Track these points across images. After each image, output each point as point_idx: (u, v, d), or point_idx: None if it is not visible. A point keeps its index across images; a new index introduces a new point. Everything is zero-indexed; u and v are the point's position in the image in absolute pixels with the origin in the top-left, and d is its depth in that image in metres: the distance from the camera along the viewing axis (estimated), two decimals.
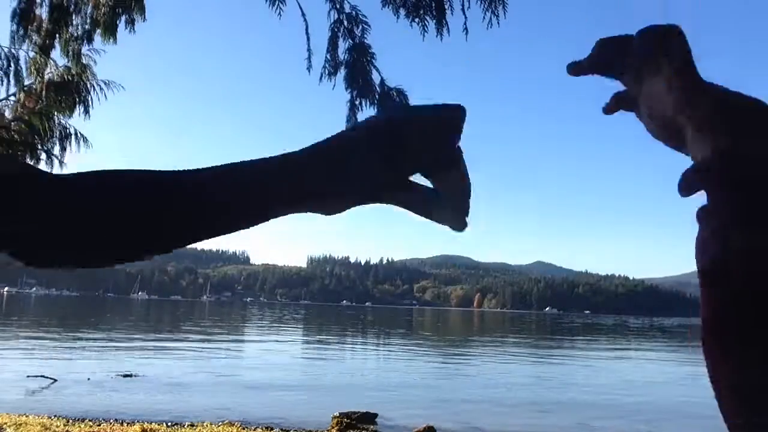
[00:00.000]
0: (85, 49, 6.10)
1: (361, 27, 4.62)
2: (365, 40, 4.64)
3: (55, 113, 7.75)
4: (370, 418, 8.53)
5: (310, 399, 10.65)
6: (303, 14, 4.68)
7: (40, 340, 21.57)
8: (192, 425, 7.61)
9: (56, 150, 8.03)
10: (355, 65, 4.60)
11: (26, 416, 7.45)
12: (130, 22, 5.25)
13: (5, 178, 0.42)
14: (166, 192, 0.45)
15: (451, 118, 0.46)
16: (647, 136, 0.48)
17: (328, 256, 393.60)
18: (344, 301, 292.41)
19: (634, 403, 11.37)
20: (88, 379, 11.74)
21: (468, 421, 8.97)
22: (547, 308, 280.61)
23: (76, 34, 5.53)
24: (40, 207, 0.43)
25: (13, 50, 6.37)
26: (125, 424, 7.43)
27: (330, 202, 0.47)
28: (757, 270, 0.33)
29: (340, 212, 0.48)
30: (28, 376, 11.49)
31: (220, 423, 7.72)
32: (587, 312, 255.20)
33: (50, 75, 7.17)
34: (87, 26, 5.41)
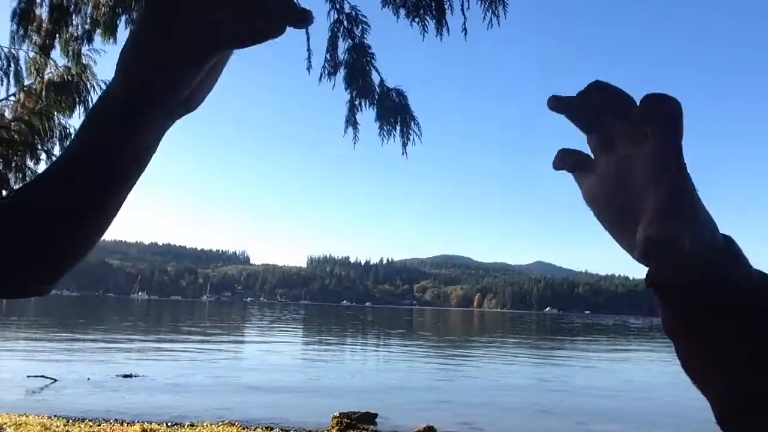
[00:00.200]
0: (85, 49, 6.11)
1: (360, 27, 4.63)
2: (365, 40, 4.64)
3: (55, 113, 7.75)
4: (370, 418, 8.53)
5: (310, 399, 10.65)
6: None
7: (41, 340, 21.58)
8: (192, 425, 7.61)
9: (56, 150, 8.02)
10: (354, 65, 4.61)
11: (26, 416, 7.46)
12: (130, 22, 5.25)
13: None
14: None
15: None
16: None
17: (328, 256, 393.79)
18: (344, 301, 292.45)
19: (635, 405, 11.38)
20: (88, 379, 11.74)
21: (468, 422, 8.97)
22: (547, 308, 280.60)
23: (76, 34, 5.53)
24: None
25: (13, 50, 6.38)
26: (125, 424, 7.43)
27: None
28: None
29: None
30: (28, 376, 11.49)
31: (220, 423, 7.72)
32: (587, 312, 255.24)
33: (50, 75, 7.18)
34: (87, 26, 5.41)
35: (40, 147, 7.76)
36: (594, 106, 0.41)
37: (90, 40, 5.54)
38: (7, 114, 7.48)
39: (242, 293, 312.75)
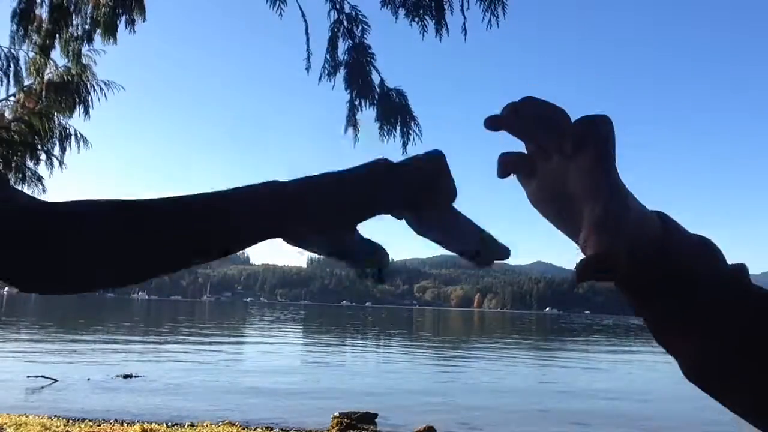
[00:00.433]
0: (85, 50, 6.10)
1: (360, 27, 4.63)
2: (365, 41, 4.64)
3: (55, 113, 7.74)
4: (370, 418, 8.53)
5: (310, 399, 10.64)
6: (303, 14, 4.68)
7: (41, 340, 21.58)
8: (192, 425, 7.61)
9: (56, 150, 8.02)
10: (354, 65, 4.61)
11: (26, 416, 7.45)
12: (130, 22, 5.25)
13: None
14: (161, 219, 0.48)
15: (430, 168, 0.50)
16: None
17: None
18: (344, 302, 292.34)
19: (636, 407, 11.37)
20: (89, 379, 11.74)
21: (468, 422, 8.96)
22: (547, 308, 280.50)
23: (76, 34, 5.52)
24: (39, 235, 0.45)
25: (13, 50, 6.37)
26: (125, 425, 7.43)
27: (311, 231, 0.50)
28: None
29: (308, 245, 0.51)
30: (28, 376, 11.48)
31: (220, 423, 7.72)
32: (587, 312, 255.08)
33: (50, 75, 7.17)
34: (87, 26, 5.41)
35: (40, 147, 7.75)
36: (527, 119, 0.43)
37: (90, 40, 5.54)
38: (7, 114, 7.47)
39: (242, 293, 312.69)
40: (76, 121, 7.96)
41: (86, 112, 7.69)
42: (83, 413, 8.37)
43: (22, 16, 5.30)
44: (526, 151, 0.46)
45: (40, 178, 7.92)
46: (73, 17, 5.38)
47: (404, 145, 4.71)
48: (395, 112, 4.71)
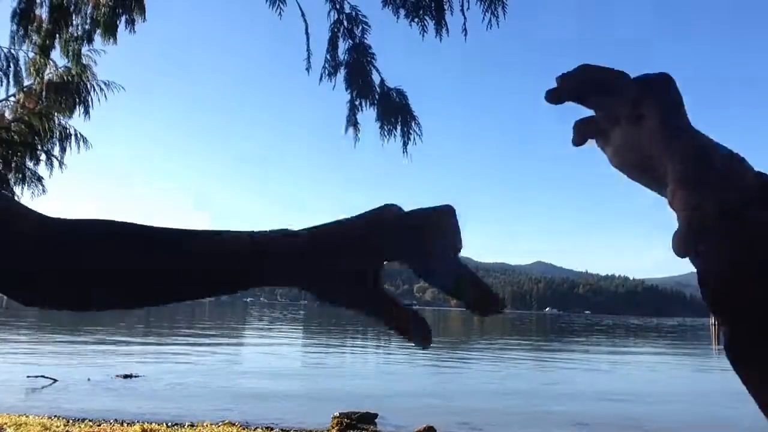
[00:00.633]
0: (85, 50, 6.09)
1: (361, 27, 4.63)
2: (365, 41, 4.64)
3: (55, 114, 7.74)
4: (370, 418, 8.53)
5: (309, 399, 10.64)
6: (303, 14, 4.68)
7: (41, 340, 21.58)
8: (192, 425, 7.60)
9: (56, 151, 8.02)
10: (354, 65, 4.61)
11: (26, 416, 7.45)
12: (130, 22, 5.25)
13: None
14: (166, 251, 0.48)
15: (437, 219, 0.50)
16: None
17: None
18: None
19: (636, 409, 11.36)
20: (89, 379, 11.73)
21: (468, 422, 8.96)
22: (547, 308, 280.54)
23: (76, 34, 5.52)
24: (40, 251, 0.46)
25: (12, 50, 6.38)
26: (125, 424, 7.43)
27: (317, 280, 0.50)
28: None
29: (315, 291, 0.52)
30: (28, 376, 11.48)
31: (220, 423, 7.71)
32: (587, 312, 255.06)
33: (50, 75, 7.17)
34: (87, 26, 5.41)
35: (40, 148, 7.76)
36: (585, 86, 0.43)
37: (90, 40, 5.54)
38: (7, 114, 7.47)
39: (242, 293, 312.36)
40: (76, 122, 7.96)
41: (86, 112, 7.70)
42: (83, 413, 8.36)
43: (22, 16, 5.30)
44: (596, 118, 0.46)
45: (40, 179, 7.93)
46: (73, 17, 5.38)
47: (405, 144, 4.72)
48: (395, 112, 4.71)
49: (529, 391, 12.69)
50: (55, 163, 8.00)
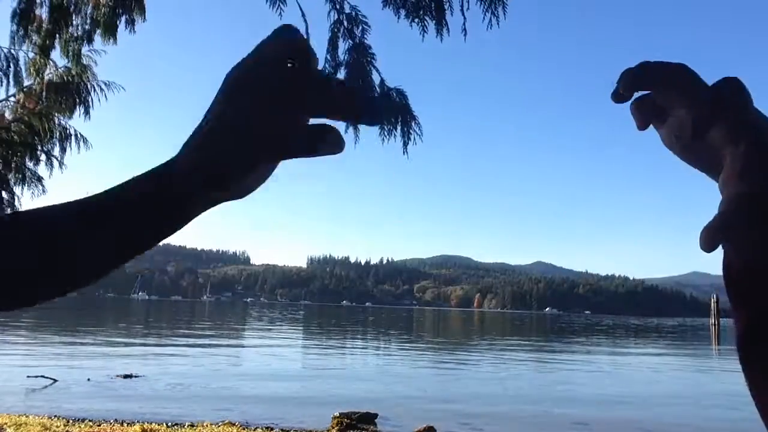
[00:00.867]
0: (85, 50, 6.09)
1: (361, 27, 4.63)
2: (365, 41, 4.64)
3: (55, 114, 7.75)
4: (370, 418, 8.53)
5: (310, 399, 10.64)
6: (303, 14, 4.67)
7: (41, 341, 21.58)
8: (192, 425, 7.60)
9: (56, 151, 8.02)
10: (355, 66, 4.61)
11: (26, 416, 7.45)
12: (130, 22, 5.25)
13: None
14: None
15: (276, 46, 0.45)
16: (647, 137, 0.48)
17: (328, 256, 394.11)
18: (344, 302, 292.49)
19: (637, 410, 11.37)
20: (88, 379, 11.74)
21: (468, 422, 8.96)
22: (547, 308, 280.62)
23: (76, 34, 5.53)
24: None
25: (13, 51, 6.38)
26: (125, 424, 7.43)
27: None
28: None
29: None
30: (28, 377, 11.49)
31: (220, 423, 7.71)
32: (587, 312, 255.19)
33: (50, 76, 7.18)
34: (87, 26, 5.41)
35: (39, 148, 7.76)
36: (650, 81, 0.44)
37: (90, 41, 5.54)
38: (7, 114, 7.47)
39: (242, 293, 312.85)
40: (76, 122, 7.97)
41: (86, 112, 7.70)
42: (83, 413, 8.36)
43: (22, 16, 5.31)
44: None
45: (40, 179, 7.93)
46: (73, 17, 5.38)
47: (405, 144, 4.72)
48: (396, 111, 4.71)
49: (529, 392, 12.69)
50: (55, 163, 8.01)
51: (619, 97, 0.45)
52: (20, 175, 7.65)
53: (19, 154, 7.57)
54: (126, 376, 12.18)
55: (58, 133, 7.96)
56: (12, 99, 7.31)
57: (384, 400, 10.44)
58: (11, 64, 6.50)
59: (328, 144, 0.45)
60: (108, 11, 5.17)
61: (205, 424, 7.59)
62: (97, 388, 10.86)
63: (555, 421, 9.47)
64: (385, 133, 4.71)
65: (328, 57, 4.62)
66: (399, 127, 4.72)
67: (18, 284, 0.44)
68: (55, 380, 11.30)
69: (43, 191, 7.95)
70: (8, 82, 6.62)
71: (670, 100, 0.44)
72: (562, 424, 9.24)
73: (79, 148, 8.18)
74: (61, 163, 8.03)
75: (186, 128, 0.47)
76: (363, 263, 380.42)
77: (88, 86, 7.67)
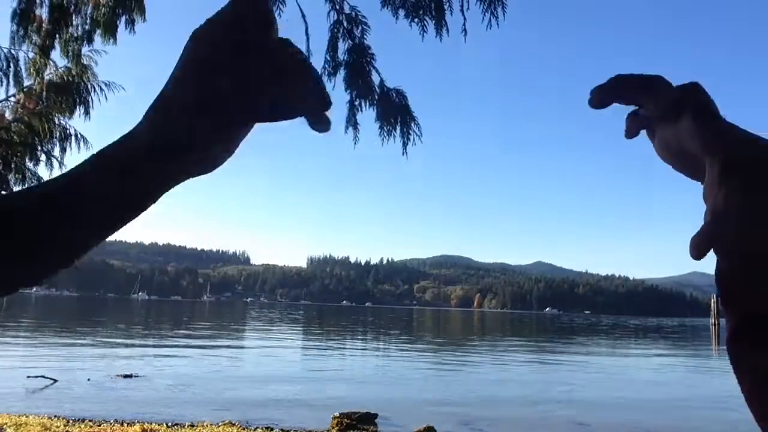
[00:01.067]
0: (85, 50, 6.10)
1: (360, 28, 4.63)
2: (365, 41, 4.65)
3: (55, 114, 7.75)
4: (370, 418, 8.53)
5: (310, 399, 10.65)
6: (303, 15, 4.67)
7: (41, 341, 21.58)
8: (192, 425, 7.61)
9: (56, 151, 8.02)
10: (354, 66, 4.61)
11: (26, 416, 7.46)
12: (130, 22, 5.25)
13: None
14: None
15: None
16: (647, 138, 0.49)
17: (328, 256, 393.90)
18: (344, 302, 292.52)
19: (638, 411, 11.37)
20: (89, 379, 11.74)
21: (468, 422, 8.97)
22: (547, 308, 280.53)
23: (76, 35, 5.52)
24: None
25: (12, 51, 6.38)
26: (125, 424, 7.43)
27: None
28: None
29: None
30: (28, 377, 11.49)
31: (220, 423, 7.72)
32: (587, 312, 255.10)
33: (50, 76, 7.18)
34: (87, 26, 5.41)
35: (39, 148, 7.75)
36: (623, 93, 0.47)
37: (90, 41, 5.54)
38: (7, 115, 7.48)
39: (242, 293, 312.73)
40: (77, 122, 7.94)
41: (86, 112, 7.71)
42: (83, 413, 8.37)
43: (22, 16, 5.30)
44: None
45: (40, 179, 7.92)
46: (73, 17, 5.38)
47: (404, 145, 4.72)
48: (395, 112, 4.71)
49: (529, 392, 12.69)
50: (55, 163, 8.00)
51: (595, 103, 0.48)
52: (20, 176, 7.64)
53: (19, 154, 7.57)
54: (126, 376, 12.19)
55: (58, 134, 7.96)
56: (12, 99, 7.32)
57: (384, 400, 10.44)
58: (11, 64, 6.50)
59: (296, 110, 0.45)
60: (108, 11, 5.17)
61: (205, 424, 7.60)
62: (97, 389, 10.86)
63: (555, 422, 9.47)
64: (385, 134, 4.71)
65: (328, 57, 4.62)
66: (398, 128, 4.72)
67: None
68: (56, 380, 11.30)
69: None
70: (8, 82, 6.62)
71: (648, 108, 0.47)
72: (563, 425, 9.24)
73: (79, 148, 8.18)
74: (61, 164, 8.03)
75: None
76: (363, 263, 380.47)
77: (88, 86, 7.68)
